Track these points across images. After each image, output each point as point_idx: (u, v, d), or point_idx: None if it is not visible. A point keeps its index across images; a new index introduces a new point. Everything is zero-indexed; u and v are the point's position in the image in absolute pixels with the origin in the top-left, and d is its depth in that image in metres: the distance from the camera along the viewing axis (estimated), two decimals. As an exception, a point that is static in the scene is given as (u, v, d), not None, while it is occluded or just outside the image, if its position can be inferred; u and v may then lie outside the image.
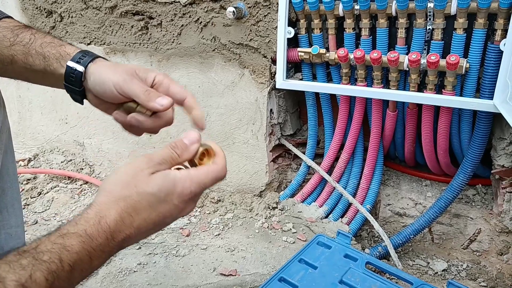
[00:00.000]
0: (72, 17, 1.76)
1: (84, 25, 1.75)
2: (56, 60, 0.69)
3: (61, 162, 2.03)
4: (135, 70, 0.68)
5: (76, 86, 0.69)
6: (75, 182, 1.95)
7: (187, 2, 1.50)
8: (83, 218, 0.52)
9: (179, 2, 1.51)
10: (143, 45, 1.67)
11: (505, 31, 1.09)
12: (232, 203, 1.67)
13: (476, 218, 1.44)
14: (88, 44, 1.78)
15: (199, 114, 0.68)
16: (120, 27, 1.68)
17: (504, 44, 1.08)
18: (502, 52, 1.10)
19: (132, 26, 1.65)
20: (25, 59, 0.70)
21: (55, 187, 1.90)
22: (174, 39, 1.59)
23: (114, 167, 1.94)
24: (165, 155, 0.59)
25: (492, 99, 1.15)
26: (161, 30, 1.60)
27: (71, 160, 2.04)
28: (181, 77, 1.63)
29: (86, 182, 1.94)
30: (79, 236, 0.50)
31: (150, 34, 1.64)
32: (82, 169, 2.00)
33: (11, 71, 0.72)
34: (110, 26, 1.70)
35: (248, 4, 1.40)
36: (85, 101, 0.74)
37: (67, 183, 1.93)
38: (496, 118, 1.28)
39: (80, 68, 0.68)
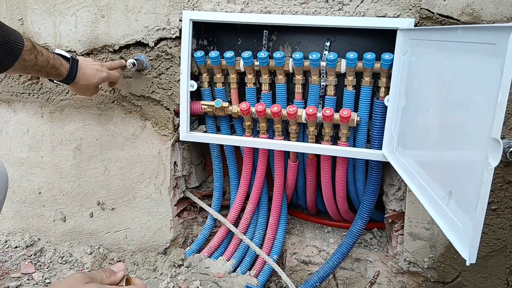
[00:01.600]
0: None
1: (-38, 73, 1.57)
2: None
3: None
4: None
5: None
6: None
7: (84, 52, 1.43)
8: None
9: (75, 51, 1.44)
10: (33, 95, 1.54)
11: (387, 88, 1.21)
12: (134, 264, 1.55)
13: (375, 261, 1.52)
14: (-34, 93, 1.60)
15: None
16: (5, 75, 1.54)
17: (388, 100, 1.20)
18: (386, 107, 1.21)
19: (20, 75, 1.53)
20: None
21: None
22: (68, 90, 1.49)
23: (-6, 231, 1.71)
24: (97, 274, 0.70)
25: (381, 149, 1.25)
26: (54, 80, 1.50)
27: None
28: (77, 129, 1.53)
29: (-42, 250, 1.67)
30: None
31: (41, 84, 1.52)
32: (-47, 235, 1.72)
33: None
34: (-6, 75, 1.55)
35: (149, 56, 1.38)
36: None
37: None
38: (386, 166, 1.40)
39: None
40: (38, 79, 1.52)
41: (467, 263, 0.69)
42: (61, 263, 1.58)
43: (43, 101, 1.54)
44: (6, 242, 1.69)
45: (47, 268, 1.56)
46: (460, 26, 0.83)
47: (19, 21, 1.47)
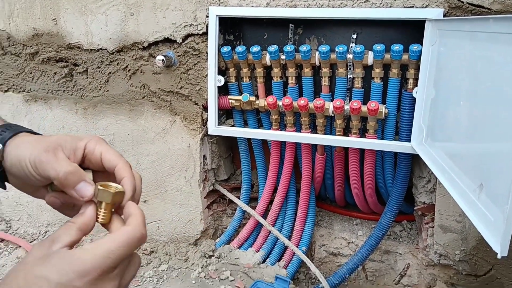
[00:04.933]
0: (-13, 63, 1.66)
1: (1, 72, 1.65)
2: None
3: (-28, 219, 1.84)
4: (61, 143, 0.57)
5: None
6: (-12, 241, 1.77)
7: (114, 50, 1.47)
8: None
9: (106, 49, 1.48)
10: (68, 92, 1.60)
11: (416, 80, 1.19)
12: (166, 254, 1.60)
13: (405, 253, 1.51)
14: (6, 91, 1.67)
15: (127, 183, 0.56)
16: (41, 73, 1.61)
17: (416, 91, 1.18)
18: (415, 98, 1.20)
19: (55, 73, 1.59)
20: None
21: (-35, 248, 1.71)
22: (101, 87, 1.54)
23: (34, 222, 1.79)
24: (58, 230, 0.51)
25: (410, 141, 1.24)
26: (87, 77, 1.55)
27: (-16, 217, 1.86)
28: (109, 124, 1.58)
29: (2, 240, 1.76)
30: None
31: (75, 81, 1.58)
32: (-3, 226, 1.82)
33: None
34: (31, 73, 1.62)
35: (177, 53, 1.41)
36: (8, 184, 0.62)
37: (-21, 243, 1.75)
38: (415, 159, 1.38)
39: None
40: (72, 76, 1.58)
41: (499, 256, 0.68)
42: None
43: (77, 97, 1.60)
44: (46, 232, 1.78)
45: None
46: (492, 16, 0.81)
47: (52, 21, 1.52)
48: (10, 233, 1.79)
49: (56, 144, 0.56)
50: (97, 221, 0.54)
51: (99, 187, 0.53)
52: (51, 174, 0.54)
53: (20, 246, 1.72)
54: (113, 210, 0.55)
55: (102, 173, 0.60)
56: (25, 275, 0.46)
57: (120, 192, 0.54)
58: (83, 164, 0.59)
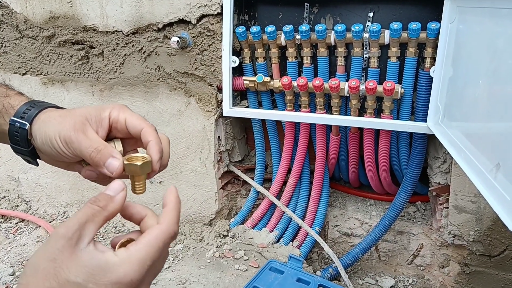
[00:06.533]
0: (5, 46, 1.68)
1: (19, 55, 1.67)
2: None
3: (-6, 199, 1.89)
4: (86, 117, 0.57)
5: (24, 146, 0.58)
6: (9, 220, 1.81)
7: (129, 32, 1.48)
8: None
9: (121, 31, 1.49)
10: (84, 74, 1.62)
11: (433, 59, 1.18)
12: (182, 234, 1.63)
13: (418, 234, 1.52)
14: (24, 74, 1.70)
15: (153, 147, 0.56)
16: (58, 56, 1.63)
17: (433, 70, 1.17)
18: (432, 78, 1.18)
19: (71, 56, 1.60)
20: None
21: (-13, 227, 1.76)
22: (116, 69, 1.56)
23: (53, 202, 1.84)
24: (83, 216, 0.47)
25: (426, 122, 1.23)
26: (103, 60, 1.56)
27: (4, 197, 1.90)
28: (125, 106, 1.60)
29: (23, 220, 1.81)
30: None
31: (91, 64, 1.59)
32: (18, 206, 1.87)
33: None
34: (48, 56, 1.64)
35: (192, 34, 1.41)
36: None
37: (0, 222, 1.80)
38: (431, 139, 1.37)
39: (24, 124, 0.57)
40: (88, 58, 1.59)
41: (515, 235, 0.69)
42: (114, 233, 1.69)
43: (93, 80, 1.61)
44: (65, 213, 1.82)
45: (102, 237, 1.67)
46: (513, -9, 0.79)
47: (68, 3, 1.53)
48: (30, 213, 1.84)
49: (83, 119, 0.57)
50: (134, 192, 0.56)
51: (125, 162, 0.54)
52: (81, 153, 0.56)
53: (40, 226, 1.77)
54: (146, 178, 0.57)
55: (131, 140, 0.61)
56: (57, 277, 0.45)
57: (147, 162, 0.55)
58: (111, 133, 0.60)
